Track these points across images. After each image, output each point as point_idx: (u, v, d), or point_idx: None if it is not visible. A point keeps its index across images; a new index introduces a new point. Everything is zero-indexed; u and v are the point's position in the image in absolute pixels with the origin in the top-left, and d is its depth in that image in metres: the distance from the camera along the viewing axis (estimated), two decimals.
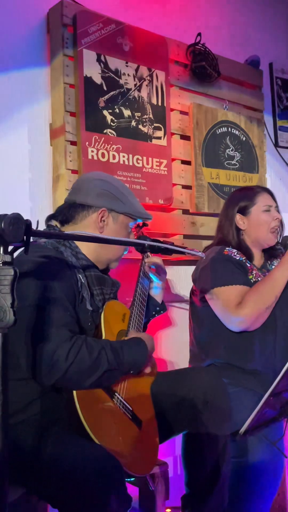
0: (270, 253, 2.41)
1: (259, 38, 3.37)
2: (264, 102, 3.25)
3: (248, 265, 2.27)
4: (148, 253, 2.07)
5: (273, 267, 2.35)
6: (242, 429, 1.69)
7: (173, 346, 2.61)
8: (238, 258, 2.26)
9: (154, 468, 1.80)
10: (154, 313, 2.14)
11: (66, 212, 1.88)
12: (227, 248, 2.28)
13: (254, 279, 2.24)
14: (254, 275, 2.26)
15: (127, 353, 1.68)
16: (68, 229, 1.87)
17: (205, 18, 3.07)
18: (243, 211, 2.34)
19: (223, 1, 3.21)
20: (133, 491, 1.67)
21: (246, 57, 3.21)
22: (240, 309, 2.10)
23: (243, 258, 2.28)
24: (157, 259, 2.12)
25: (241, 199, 2.36)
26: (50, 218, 1.91)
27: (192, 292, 2.38)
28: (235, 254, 2.27)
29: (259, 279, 2.24)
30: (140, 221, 2.05)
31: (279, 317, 2.23)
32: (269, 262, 2.39)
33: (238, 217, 2.34)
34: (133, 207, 1.93)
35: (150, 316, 2.13)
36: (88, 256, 1.83)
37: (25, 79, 2.38)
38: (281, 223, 2.38)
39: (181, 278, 2.78)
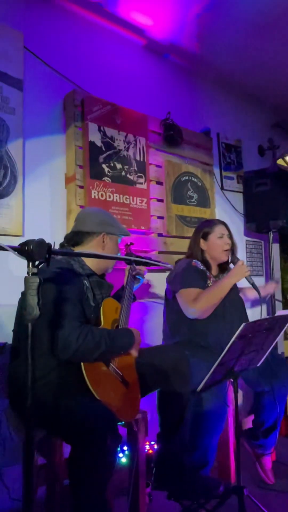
0: (223, 267, 2.42)
1: (210, 115, 3.39)
2: (214, 159, 3.26)
3: (208, 274, 2.29)
4: (134, 265, 2.08)
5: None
6: (199, 388, 1.70)
7: (150, 329, 2.62)
8: (201, 268, 2.28)
9: (137, 415, 1.80)
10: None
11: (76, 238, 1.89)
12: (194, 261, 2.30)
13: (211, 284, 2.25)
14: (211, 281, 2.28)
15: (119, 340, 1.68)
16: (79, 249, 1.87)
17: (173, 101, 3.08)
18: (204, 237, 2.36)
19: (186, 88, 3.23)
20: (123, 431, 1.68)
21: (201, 128, 3.23)
22: (195, 303, 2.12)
23: (205, 268, 2.30)
24: (139, 270, 2.13)
25: (204, 228, 2.38)
26: (63, 244, 1.91)
27: (167, 290, 2.38)
28: (199, 265, 2.29)
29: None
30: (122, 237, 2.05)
31: (227, 311, 2.24)
32: (221, 274, 2.41)
33: (201, 241, 2.36)
34: (120, 228, 1.96)
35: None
36: (92, 267, 1.84)
37: (48, 143, 2.38)
38: (233, 244, 2.39)
39: (156, 282, 2.78)
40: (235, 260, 2.30)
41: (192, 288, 2.17)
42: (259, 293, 2.24)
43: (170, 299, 2.32)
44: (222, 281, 2.20)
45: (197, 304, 2.11)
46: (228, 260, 2.37)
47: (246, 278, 2.20)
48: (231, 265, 2.37)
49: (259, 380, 2.21)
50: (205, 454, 2.02)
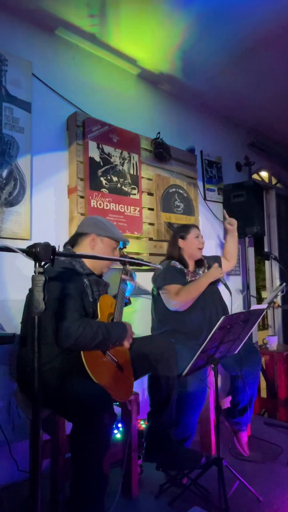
0: (198, 264, 2.46)
1: (195, 135, 3.40)
2: (197, 174, 3.27)
3: (185, 271, 2.31)
4: (127, 265, 2.08)
5: (200, 272, 2.40)
6: (184, 372, 1.70)
7: (141, 321, 2.62)
8: (179, 267, 2.30)
9: (130, 396, 1.80)
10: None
11: (73, 240, 1.89)
12: (173, 261, 2.32)
13: (189, 280, 2.28)
14: (190, 277, 2.29)
15: (114, 332, 1.67)
16: (76, 250, 1.86)
17: (163, 122, 3.09)
18: (183, 237, 2.40)
19: (174, 112, 3.23)
20: (117, 410, 1.67)
21: (186, 146, 3.23)
22: (176, 297, 2.15)
23: (182, 267, 2.32)
24: (128, 277, 2.11)
25: (182, 230, 2.44)
26: (66, 245, 1.91)
27: (153, 288, 2.40)
28: (178, 265, 2.31)
29: (193, 279, 2.29)
30: (122, 245, 1.99)
31: (207, 303, 2.27)
32: (197, 269, 2.44)
33: (180, 241, 2.39)
34: (113, 233, 1.89)
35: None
36: (90, 267, 1.83)
37: (53, 158, 2.37)
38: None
39: (147, 280, 2.79)
40: (211, 264, 2.34)
41: (174, 285, 2.19)
42: (229, 291, 2.30)
43: (156, 296, 2.34)
44: (200, 279, 2.23)
45: (178, 298, 2.14)
46: (202, 258, 2.44)
47: (219, 279, 2.25)
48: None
49: (234, 365, 2.23)
50: (187, 428, 2.03)
